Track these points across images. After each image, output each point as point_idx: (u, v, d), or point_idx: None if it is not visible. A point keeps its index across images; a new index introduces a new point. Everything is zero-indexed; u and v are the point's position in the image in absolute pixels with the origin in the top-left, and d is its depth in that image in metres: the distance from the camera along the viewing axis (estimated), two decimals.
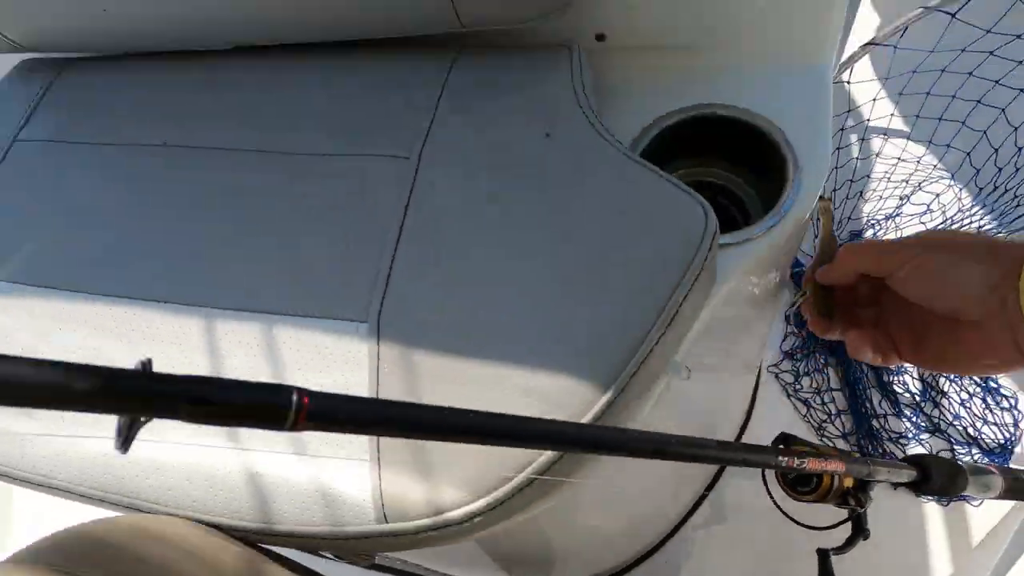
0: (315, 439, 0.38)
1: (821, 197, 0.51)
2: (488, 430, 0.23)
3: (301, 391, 0.19)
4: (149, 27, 0.55)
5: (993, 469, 0.54)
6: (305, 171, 0.47)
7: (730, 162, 0.62)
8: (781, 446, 0.56)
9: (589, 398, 0.36)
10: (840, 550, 0.42)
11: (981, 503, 0.83)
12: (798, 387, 0.93)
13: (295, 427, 0.19)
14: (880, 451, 0.87)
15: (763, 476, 0.71)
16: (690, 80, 0.54)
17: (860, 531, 0.43)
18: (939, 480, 0.44)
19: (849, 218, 1.03)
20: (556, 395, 0.36)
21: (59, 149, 0.53)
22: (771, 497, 0.71)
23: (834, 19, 0.53)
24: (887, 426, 0.88)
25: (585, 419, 0.36)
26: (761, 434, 0.91)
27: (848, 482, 0.46)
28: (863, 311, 0.46)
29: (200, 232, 0.46)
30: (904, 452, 0.87)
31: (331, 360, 0.40)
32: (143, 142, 0.51)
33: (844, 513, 0.46)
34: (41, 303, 0.46)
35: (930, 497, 0.85)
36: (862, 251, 0.42)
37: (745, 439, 0.91)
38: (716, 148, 0.59)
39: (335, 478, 0.37)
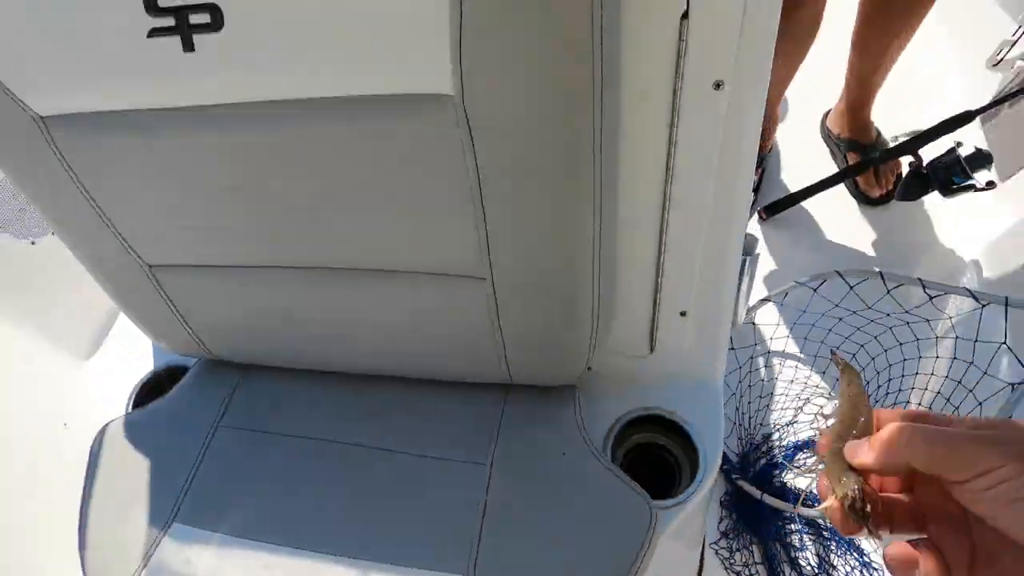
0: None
1: (833, 352, 0.48)
2: None
3: None
4: (329, 358, 0.89)
5: None
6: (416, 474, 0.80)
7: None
8: None
9: None
10: None
11: None
12: (732, 560, 1.24)
13: None
14: None
15: None
16: (638, 389, 0.91)
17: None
18: None
19: (761, 424, 1.40)
20: None
21: (255, 438, 0.85)
22: None
23: (719, 354, 0.91)
24: None
25: None
26: None
27: None
28: (899, 506, 0.35)
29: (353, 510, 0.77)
30: None
31: None
32: (323, 437, 0.84)
33: None
34: (252, 553, 0.76)
35: None
36: (930, 439, 0.31)
37: None
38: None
39: None
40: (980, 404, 1.10)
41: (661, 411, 0.89)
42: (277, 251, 0.69)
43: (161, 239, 0.69)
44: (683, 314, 0.78)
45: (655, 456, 0.90)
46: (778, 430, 1.38)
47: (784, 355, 1.45)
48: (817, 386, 1.41)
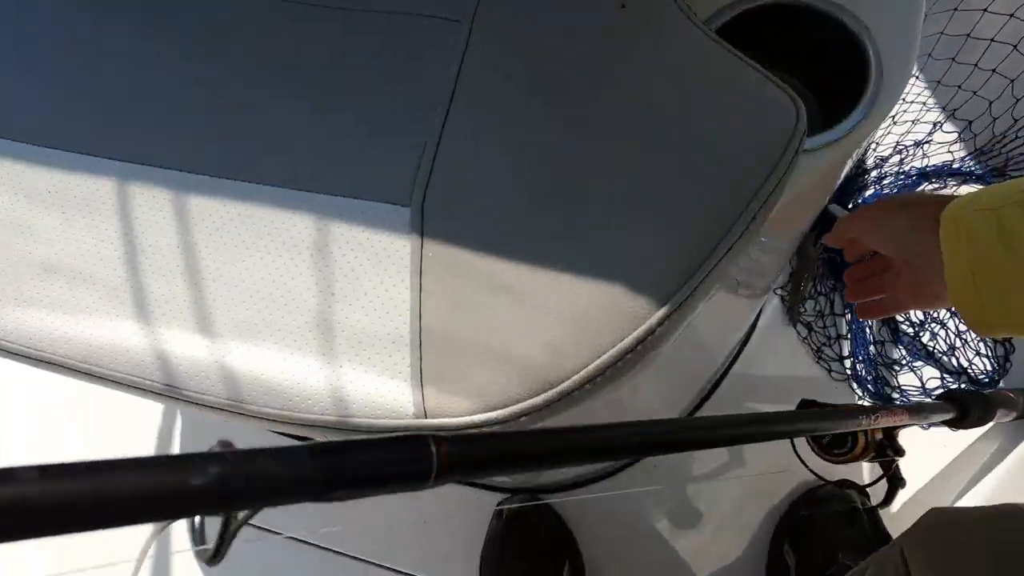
0: (346, 340, 0.35)
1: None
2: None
3: (438, 439, 0.15)
4: None
5: (1011, 394, 0.55)
6: (355, 26, 0.40)
7: (787, 63, 0.56)
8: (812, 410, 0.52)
9: (643, 311, 0.33)
10: (883, 504, 0.42)
11: None
12: (802, 310, 0.93)
13: (437, 481, 0.16)
14: (874, 376, 0.89)
15: (792, 441, 0.71)
16: None
17: (898, 482, 0.43)
18: (976, 413, 0.44)
19: (877, 143, 0.99)
20: (611, 303, 0.34)
21: None
22: (804, 463, 0.72)
23: None
24: (883, 352, 0.90)
25: (635, 334, 0.33)
26: (757, 358, 0.92)
27: (879, 434, 0.45)
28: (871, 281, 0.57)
29: (223, 90, 0.40)
30: (895, 376, 0.89)
31: (365, 248, 0.36)
32: None
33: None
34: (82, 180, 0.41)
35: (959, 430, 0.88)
36: (844, 221, 0.52)
37: (740, 366, 0.92)
38: (774, 45, 0.54)
39: (368, 376, 0.35)
40: None
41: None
42: None
43: None
44: None
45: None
46: (899, 151, 0.97)
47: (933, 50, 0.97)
48: (975, 92, 0.96)
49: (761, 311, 0.93)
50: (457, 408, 0.34)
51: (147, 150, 0.40)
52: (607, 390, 0.36)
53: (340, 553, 0.91)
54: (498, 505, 0.85)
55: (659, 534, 0.87)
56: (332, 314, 0.35)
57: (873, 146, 0.98)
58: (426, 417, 0.34)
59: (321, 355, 0.35)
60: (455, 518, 0.89)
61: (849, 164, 0.55)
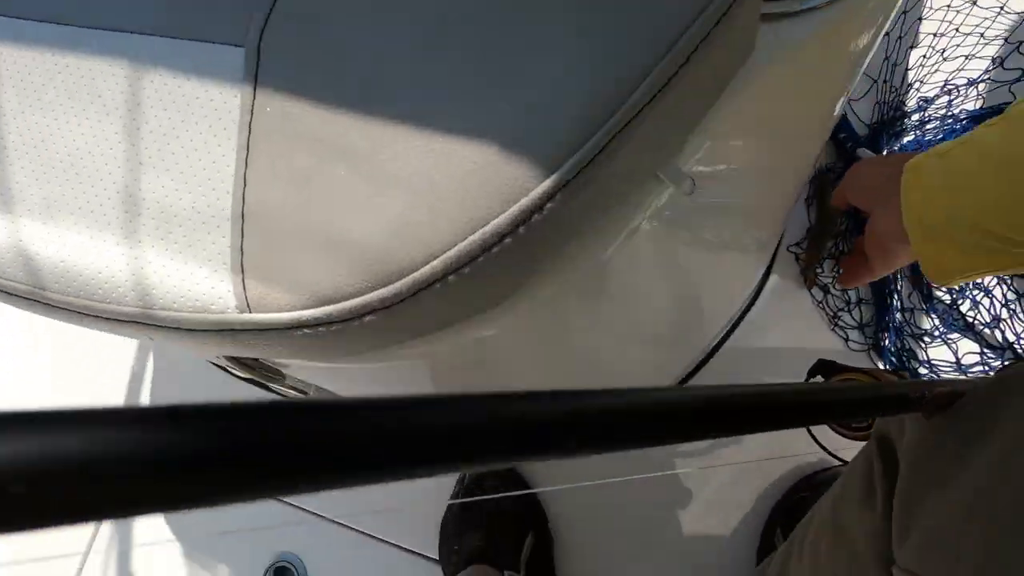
0: (153, 217, 0.28)
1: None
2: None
3: None
4: None
5: None
6: None
7: None
8: (819, 377, 0.54)
9: (523, 181, 0.25)
10: None
11: None
12: (818, 270, 0.81)
13: None
14: (899, 347, 0.77)
15: None
16: None
17: None
18: None
19: (919, 83, 0.85)
20: (483, 172, 0.25)
21: None
22: (816, 441, 0.62)
23: None
24: (912, 321, 0.78)
25: (511, 210, 0.25)
26: (761, 324, 0.81)
27: None
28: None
29: None
30: (924, 349, 0.77)
31: (187, 103, 0.28)
32: None
33: None
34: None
35: None
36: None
37: (741, 333, 0.81)
38: None
39: (181, 261, 0.28)
40: None
41: None
42: None
43: None
44: None
45: None
46: (948, 91, 0.84)
47: None
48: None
49: (769, 272, 0.82)
50: (283, 302, 0.26)
51: None
52: (494, 287, 0.28)
53: (297, 507, 0.86)
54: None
55: (641, 510, 0.78)
56: (139, 186, 0.28)
57: (916, 85, 0.85)
58: (249, 311, 0.27)
59: (125, 235, 0.28)
60: (421, 479, 0.83)
61: (870, 51, 0.44)
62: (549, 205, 0.25)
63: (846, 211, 0.75)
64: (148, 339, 0.31)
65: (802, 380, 0.77)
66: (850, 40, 0.39)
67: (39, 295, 0.29)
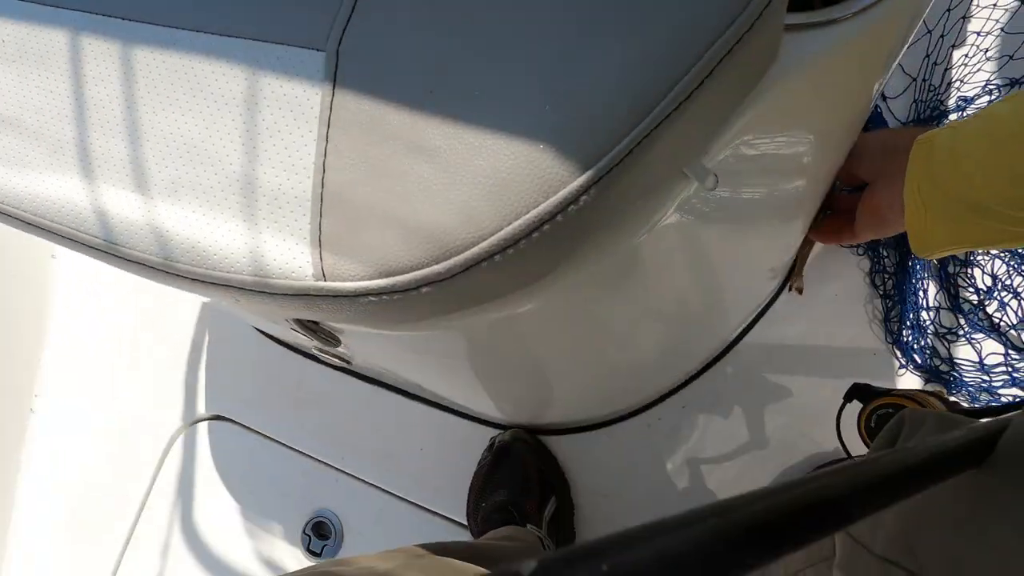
0: (252, 197, 0.33)
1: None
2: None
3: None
4: None
5: None
6: None
7: None
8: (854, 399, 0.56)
9: (563, 175, 0.29)
10: None
11: None
12: (857, 248, 0.83)
13: None
14: (922, 344, 0.78)
15: (837, 426, 0.65)
16: None
17: None
18: None
19: (959, 82, 0.85)
20: (531, 166, 0.29)
21: None
22: (847, 452, 0.64)
23: None
24: (937, 319, 0.79)
25: (552, 200, 0.29)
26: (786, 317, 0.83)
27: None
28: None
29: None
30: (948, 348, 0.78)
31: (277, 99, 0.33)
32: None
33: None
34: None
35: None
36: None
37: (764, 324, 0.83)
38: None
39: (272, 234, 0.32)
40: None
41: None
42: None
43: None
44: None
45: None
46: (989, 91, 0.84)
47: None
48: None
49: (793, 267, 0.84)
50: (353, 272, 0.31)
51: None
52: (532, 268, 0.32)
53: (336, 468, 0.92)
54: (491, 438, 0.83)
55: (658, 487, 0.82)
56: (241, 170, 0.33)
57: (957, 84, 0.85)
58: (325, 280, 0.32)
59: (233, 212, 0.33)
60: (451, 447, 0.88)
61: (898, 55, 0.46)
62: (584, 197, 0.29)
63: (844, 188, 0.75)
64: (234, 301, 0.36)
65: (829, 375, 0.79)
66: (875, 49, 0.42)
67: (169, 266, 0.35)
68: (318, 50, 0.33)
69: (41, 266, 1.15)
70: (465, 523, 0.82)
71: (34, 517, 1.04)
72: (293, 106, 0.33)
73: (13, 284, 1.12)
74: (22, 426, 1.08)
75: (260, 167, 0.33)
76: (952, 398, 0.75)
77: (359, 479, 0.92)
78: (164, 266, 0.35)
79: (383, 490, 0.91)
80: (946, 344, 0.79)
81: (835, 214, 0.67)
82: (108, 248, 0.38)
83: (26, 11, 0.41)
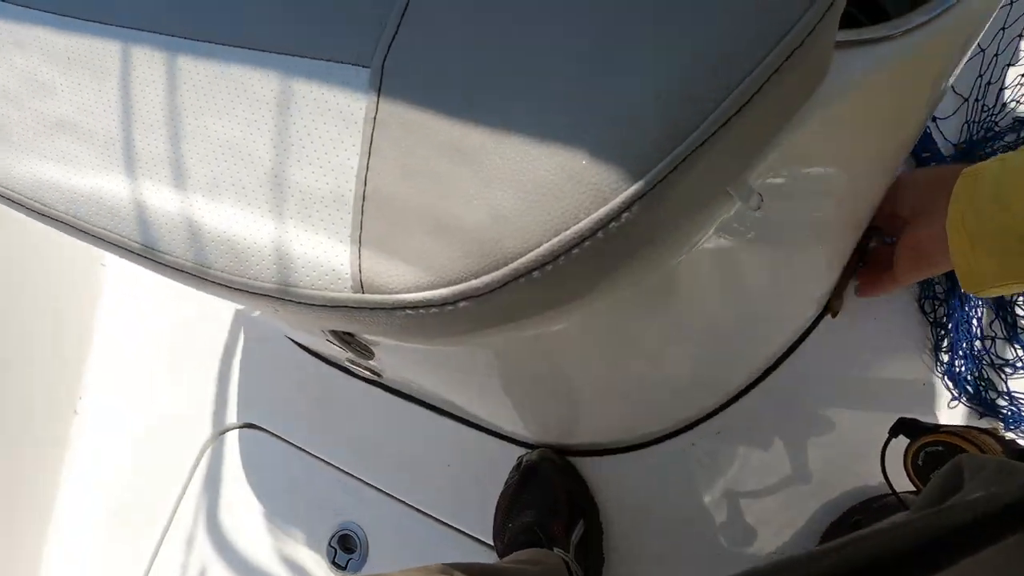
0: (292, 199, 0.34)
1: None
2: None
3: None
4: None
5: None
6: None
7: None
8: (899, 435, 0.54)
9: (608, 188, 0.28)
10: None
11: None
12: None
13: None
14: (976, 375, 0.74)
15: (882, 462, 0.62)
16: None
17: None
18: None
19: (1015, 102, 0.82)
20: (576, 177, 0.29)
21: None
22: (893, 491, 0.61)
23: None
24: (993, 350, 0.75)
25: (596, 214, 0.28)
26: (829, 342, 0.80)
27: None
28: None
29: None
30: (1005, 380, 0.74)
31: (320, 107, 0.34)
32: None
33: None
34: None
35: None
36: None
37: (807, 348, 0.80)
38: None
39: (311, 240, 0.33)
40: None
41: None
42: None
43: None
44: None
45: None
46: None
47: None
48: None
49: (835, 291, 0.81)
50: (396, 278, 0.31)
51: (145, 16, 0.40)
52: (571, 286, 0.31)
53: (364, 482, 0.92)
54: (519, 457, 0.82)
55: (692, 515, 0.79)
56: (283, 172, 0.34)
57: (1013, 104, 0.81)
58: (363, 291, 0.32)
59: (271, 214, 0.34)
60: (479, 465, 0.87)
61: (951, 76, 0.45)
62: (625, 215, 0.28)
63: (884, 238, 0.73)
64: (274, 311, 0.36)
65: (874, 406, 0.75)
66: (927, 70, 0.40)
67: (203, 272, 0.35)
68: (364, 66, 0.33)
69: (91, 274, 1.20)
70: (491, 543, 0.80)
71: (74, 514, 1.07)
72: (335, 114, 0.33)
73: (63, 290, 1.17)
74: (67, 426, 1.12)
75: (297, 167, 0.34)
76: (1009, 435, 0.71)
77: (386, 493, 0.92)
78: (200, 271, 0.36)
79: (410, 505, 0.90)
80: (1003, 376, 0.75)
81: (870, 266, 0.66)
82: (146, 253, 0.39)
83: (82, 28, 0.43)
